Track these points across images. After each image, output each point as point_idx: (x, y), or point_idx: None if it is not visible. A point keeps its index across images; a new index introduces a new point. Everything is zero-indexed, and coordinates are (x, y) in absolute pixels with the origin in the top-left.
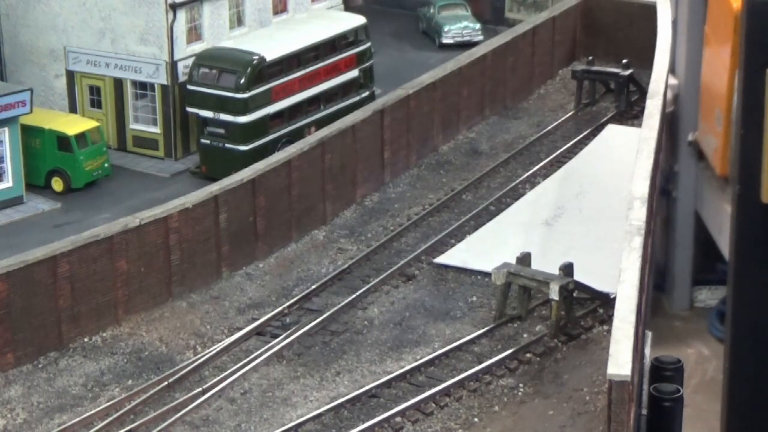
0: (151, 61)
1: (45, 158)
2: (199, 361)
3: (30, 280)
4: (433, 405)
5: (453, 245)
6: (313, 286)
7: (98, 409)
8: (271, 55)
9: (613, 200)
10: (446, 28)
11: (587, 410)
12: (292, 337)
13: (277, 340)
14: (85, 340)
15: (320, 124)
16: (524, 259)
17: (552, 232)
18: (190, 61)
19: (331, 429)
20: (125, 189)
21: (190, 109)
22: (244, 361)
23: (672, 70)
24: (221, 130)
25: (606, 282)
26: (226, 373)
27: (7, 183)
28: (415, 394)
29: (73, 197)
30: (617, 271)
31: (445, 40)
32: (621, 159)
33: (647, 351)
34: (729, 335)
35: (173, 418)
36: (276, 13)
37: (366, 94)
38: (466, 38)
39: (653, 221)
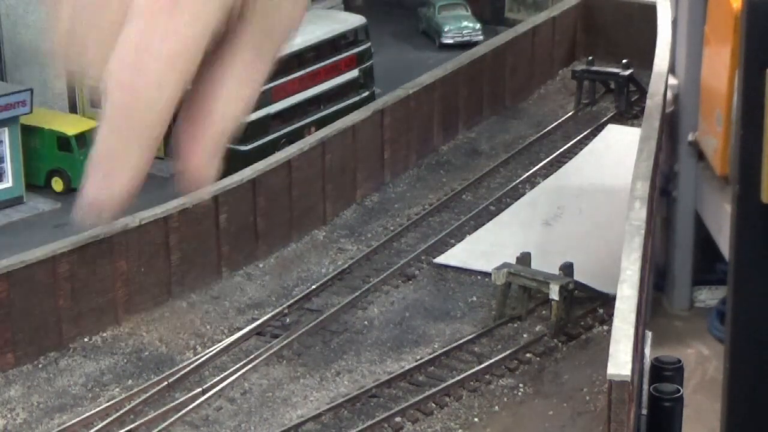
0: None
1: (45, 158)
2: (199, 361)
3: (30, 280)
4: (433, 405)
5: (453, 245)
6: (313, 286)
7: (98, 409)
8: None
9: (613, 200)
10: (446, 28)
11: (587, 410)
12: (292, 337)
13: (277, 340)
14: (85, 340)
15: (320, 124)
16: (524, 259)
17: (552, 232)
18: None
19: (331, 429)
20: None
21: None
22: (244, 361)
23: (672, 70)
24: None
25: (606, 282)
26: (226, 373)
27: (7, 183)
28: (415, 394)
29: (73, 197)
30: (617, 271)
31: (445, 40)
32: (621, 159)
33: (647, 351)
34: (729, 335)
35: (173, 418)
36: None
37: (366, 94)
38: (466, 38)
39: (653, 221)
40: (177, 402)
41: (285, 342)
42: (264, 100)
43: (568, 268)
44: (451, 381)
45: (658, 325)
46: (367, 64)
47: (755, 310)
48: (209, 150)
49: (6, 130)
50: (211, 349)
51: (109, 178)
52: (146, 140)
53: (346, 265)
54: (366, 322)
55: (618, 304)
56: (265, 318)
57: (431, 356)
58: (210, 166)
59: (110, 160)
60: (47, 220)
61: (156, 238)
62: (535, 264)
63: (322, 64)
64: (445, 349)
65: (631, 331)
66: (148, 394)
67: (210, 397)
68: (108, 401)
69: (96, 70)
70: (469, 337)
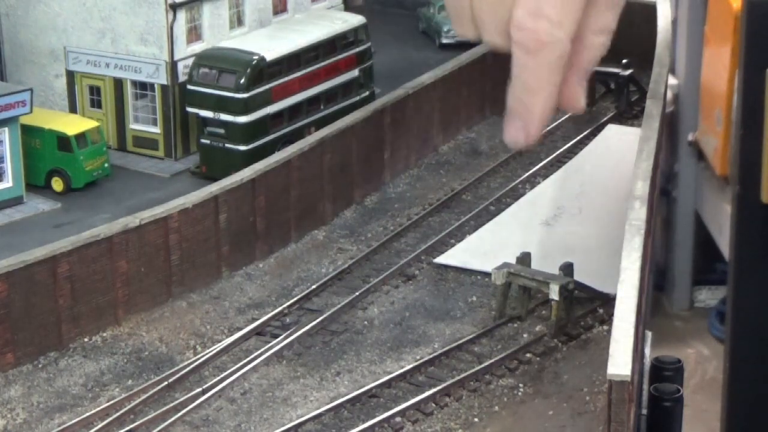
0: (151, 61)
1: (45, 158)
2: (199, 361)
3: (30, 280)
4: (433, 405)
5: (453, 245)
6: (313, 286)
7: (98, 409)
8: (271, 55)
9: (613, 200)
10: (446, 28)
11: (587, 410)
12: (292, 337)
13: (277, 340)
14: (85, 340)
15: (320, 124)
16: (524, 259)
17: (552, 232)
18: (190, 61)
19: (331, 429)
20: (125, 189)
21: (190, 109)
22: (244, 361)
23: (672, 70)
24: (221, 130)
25: (606, 282)
26: (226, 373)
27: (7, 183)
28: (415, 394)
29: (73, 197)
30: (617, 271)
31: (445, 40)
32: (621, 159)
33: (647, 351)
34: (729, 335)
35: (173, 418)
36: (276, 13)
37: (366, 94)
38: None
39: (653, 221)
40: (177, 402)
41: (285, 342)
42: (264, 100)
43: (568, 268)
44: (451, 381)
45: (658, 325)
46: (367, 64)
47: (755, 310)
48: (582, 75)
49: (6, 130)
50: (211, 349)
51: (524, 126)
52: (551, 77)
53: (346, 265)
54: (366, 322)
55: (618, 304)
56: (265, 318)
57: (431, 356)
58: (582, 90)
59: (524, 105)
60: (47, 220)
61: (156, 238)
62: (535, 264)
63: (322, 64)
64: (445, 349)
65: (631, 331)
66: (148, 394)
67: (210, 397)
68: (108, 401)
69: (492, 28)
70: (469, 337)
